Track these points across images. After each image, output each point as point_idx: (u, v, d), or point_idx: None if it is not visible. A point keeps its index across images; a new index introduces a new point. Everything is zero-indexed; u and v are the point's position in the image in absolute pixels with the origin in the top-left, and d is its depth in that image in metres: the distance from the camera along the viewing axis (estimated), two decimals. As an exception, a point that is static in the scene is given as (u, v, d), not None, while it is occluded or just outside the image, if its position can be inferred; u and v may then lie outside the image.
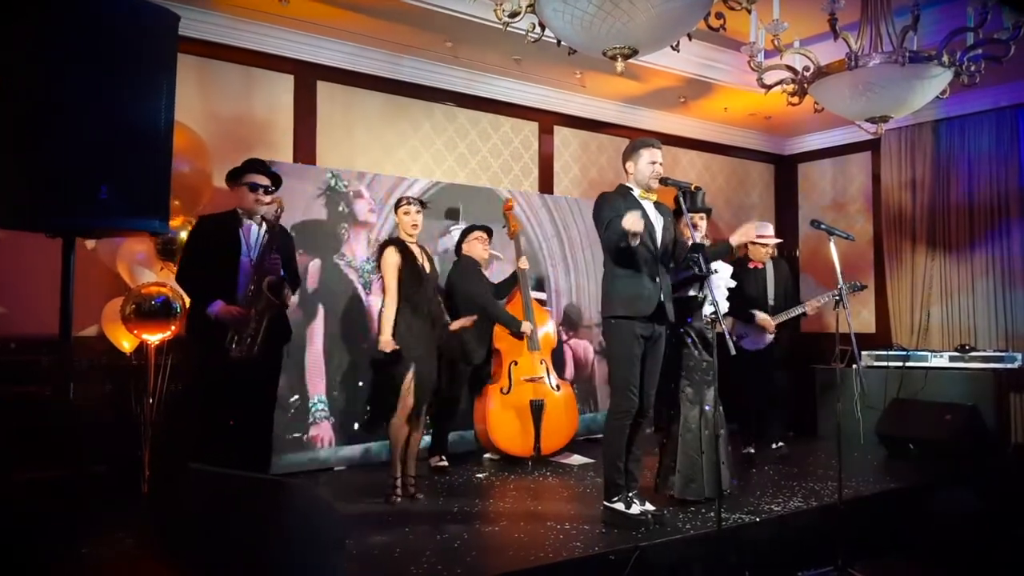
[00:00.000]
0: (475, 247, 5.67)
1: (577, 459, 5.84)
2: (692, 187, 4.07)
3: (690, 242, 4.17)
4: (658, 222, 4.13)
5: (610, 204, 4.06)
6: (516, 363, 5.64)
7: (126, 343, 5.13)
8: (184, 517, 3.04)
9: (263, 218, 4.35)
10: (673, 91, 7.33)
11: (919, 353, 7.04)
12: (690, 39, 3.97)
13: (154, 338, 5.04)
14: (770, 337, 6.16)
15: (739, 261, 6.34)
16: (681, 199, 4.08)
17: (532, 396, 5.63)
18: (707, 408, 4.49)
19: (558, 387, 5.79)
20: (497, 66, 6.73)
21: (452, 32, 6.00)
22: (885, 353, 7.17)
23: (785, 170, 9.35)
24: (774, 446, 6.40)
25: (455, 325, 4.90)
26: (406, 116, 6.69)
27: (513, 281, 5.87)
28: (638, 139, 4.23)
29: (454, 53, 6.42)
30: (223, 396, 4.11)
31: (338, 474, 5.45)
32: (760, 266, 6.33)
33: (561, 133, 7.62)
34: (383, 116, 6.57)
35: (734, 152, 8.92)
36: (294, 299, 4.73)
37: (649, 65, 6.62)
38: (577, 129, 7.66)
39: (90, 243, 5.25)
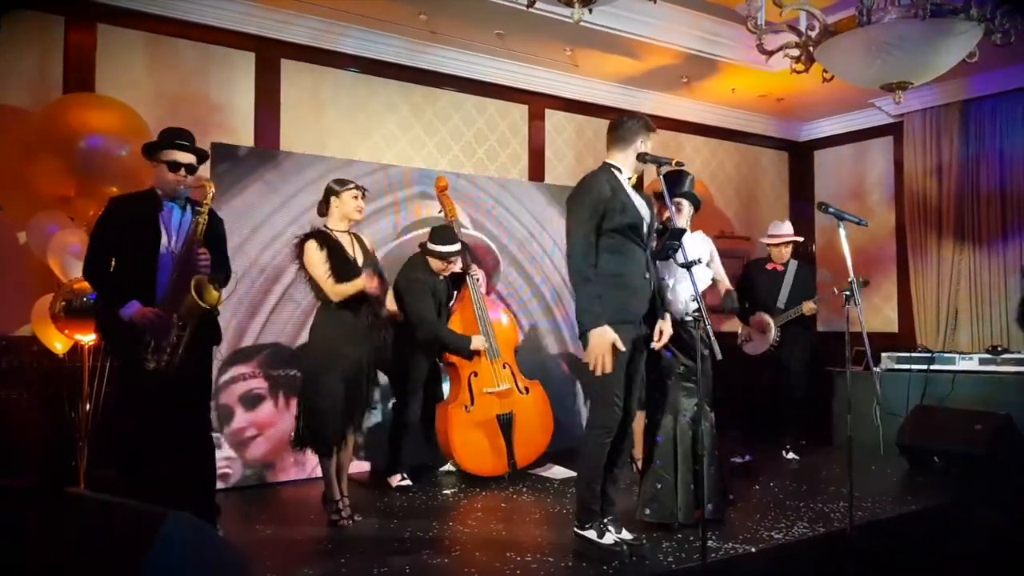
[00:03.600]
0: (436, 262, 5.02)
1: (558, 471, 5.27)
2: (673, 162, 3.48)
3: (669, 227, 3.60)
4: (644, 209, 3.57)
5: (591, 198, 3.45)
6: (476, 374, 5.02)
7: (58, 344, 4.65)
8: (46, 552, 2.55)
9: (188, 201, 3.74)
10: (674, 69, 6.75)
11: (946, 355, 6.41)
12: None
13: (88, 338, 4.58)
14: (771, 340, 5.82)
15: (757, 262, 6.11)
16: (662, 179, 3.50)
17: (499, 410, 5.03)
18: (683, 419, 3.92)
19: (526, 390, 5.18)
20: (479, 42, 6.19)
21: (423, 2, 5.47)
22: (908, 355, 6.54)
23: (800, 157, 8.72)
24: (785, 454, 6.02)
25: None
26: (381, 98, 6.17)
27: (459, 287, 5.26)
28: (639, 118, 3.62)
29: (430, 28, 5.89)
30: (145, 414, 3.49)
31: (291, 488, 4.95)
32: (780, 268, 6.02)
33: (554, 117, 7.07)
34: (355, 98, 6.06)
35: (744, 138, 8.31)
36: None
37: (645, 40, 6.08)
38: (571, 113, 7.11)
39: (21, 236, 4.81)
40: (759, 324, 5.86)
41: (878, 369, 6.56)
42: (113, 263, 3.57)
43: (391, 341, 4.40)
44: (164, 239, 3.60)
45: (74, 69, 5.04)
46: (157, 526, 2.41)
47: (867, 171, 8.15)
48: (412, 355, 4.95)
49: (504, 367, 5.11)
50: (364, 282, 3.94)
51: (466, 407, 4.97)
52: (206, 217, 3.64)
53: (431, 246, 4.98)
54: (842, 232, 3.91)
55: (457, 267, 5.13)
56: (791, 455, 6.00)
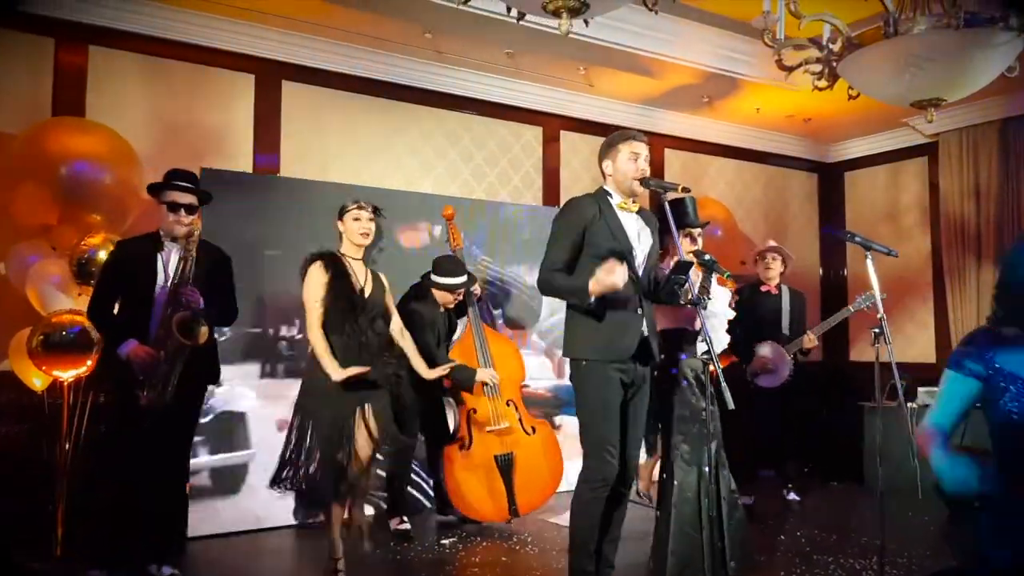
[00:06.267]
0: (441, 294, 4.70)
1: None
2: (679, 188, 3.17)
3: (675, 260, 3.26)
4: (641, 238, 3.29)
5: (570, 219, 3.24)
6: (475, 411, 4.71)
7: (37, 380, 4.43)
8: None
9: (188, 240, 3.73)
10: (694, 89, 6.44)
11: (987, 390, 5.94)
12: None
13: (67, 375, 4.36)
14: (787, 372, 5.38)
15: (751, 286, 5.67)
16: (667, 209, 3.18)
17: (498, 450, 4.68)
18: (707, 469, 3.57)
19: (532, 430, 4.82)
20: (488, 62, 5.94)
21: (428, 20, 5.23)
22: (946, 390, 6.08)
23: (830, 179, 8.33)
24: (786, 494, 5.63)
25: (431, 374, 4.01)
26: (387, 120, 5.94)
27: (462, 316, 4.94)
28: (615, 132, 3.40)
29: (435, 47, 5.66)
30: (132, 448, 3.59)
31: (289, 535, 4.66)
32: (774, 291, 5.62)
33: (569, 139, 6.79)
34: (360, 120, 5.84)
35: (771, 160, 7.96)
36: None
37: (661, 57, 5.79)
38: (587, 134, 6.81)
39: (0, 266, 4.62)
40: (772, 357, 5.37)
41: (914, 404, 6.14)
42: (118, 304, 3.71)
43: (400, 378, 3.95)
44: (160, 278, 3.68)
45: (64, 93, 4.88)
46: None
47: (901, 193, 7.75)
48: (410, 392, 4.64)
49: (508, 404, 4.78)
50: (346, 373, 3.49)
51: (462, 446, 4.66)
52: (193, 255, 3.67)
53: (436, 278, 4.66)
54: (870, 263, 3.59)
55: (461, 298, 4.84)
56: (792, 495, 5.63)
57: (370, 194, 5.07)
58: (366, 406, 3.64)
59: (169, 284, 3.65)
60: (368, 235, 3.77)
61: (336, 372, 3.50)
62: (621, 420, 3.19)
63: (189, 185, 3.77)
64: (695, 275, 3.35)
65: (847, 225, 8.06)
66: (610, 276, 2.97)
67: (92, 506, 4.19)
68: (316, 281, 3.64)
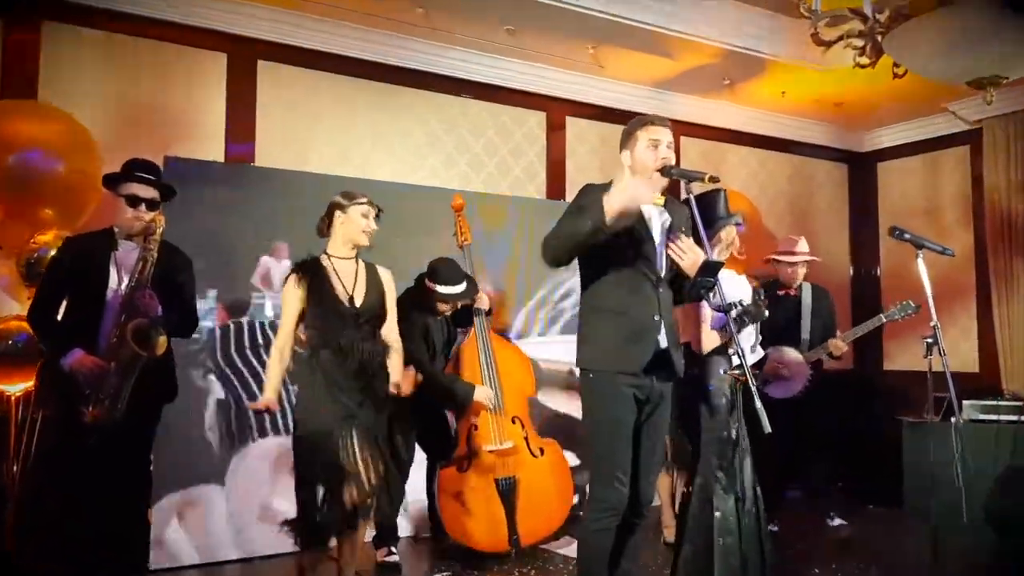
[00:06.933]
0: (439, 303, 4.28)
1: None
2: (706, 178, 2.71)
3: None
4: (659, 233, 2.90)
5: (587, 201, 2.82)
6: (476, 428, 4.22)
7: (-21, 394, 4.03)
8: None
9: (147, 239, 3.35)
10: (714, 70, 5.90)
11: (1042, 404, 5.40)
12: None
13: (14, 388, 3.97)
14: (801, 383, 4.83)
15: (767, 286, 4.95)
16: (693, 204, 2.74)
17: (499, 474, 4.19)
18: (742, 494, 3.14)
19: (540, 451, 4.34)
20: (487, 40, 5.45)
21: (421, -6, 4.74)
22: (995, 404, 5.53)
23: (861, 170, 7.74)
24: (830, 521, 5.18)
25: (403, 390, 3.46)
26: (375, 105, 5.45)
27: (464, 324, 4.48)
28: (634, 119, 3.05)
29: (430, 24, 5.16)
30: (78, 470, 3.20)
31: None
32: (793, 293, 5.05)
33: (576, 125, 6.27)
34: (345, 105, 5.35)
35: (797, 148, 7.39)
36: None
37: (679, 35, 5.28)
38: (595, 120, 6.29)
39: (-54, 268, 4.21)
40: (787, 363, 4.82)
41: (960, 420, 5.58)
42: (64, 308, 3.39)
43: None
44: (113, 280, 3.34)
45: (13, 74, 4.44)
46: None
47: (940, 186, 7.15)
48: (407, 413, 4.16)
49: (513, 422, 4.30)
50: (261, 404, 3.24)
51: (460, 467, 4.19)
52: (154, 255, 3.32)
53: (436, 287, 4.20)
54: (921, 263, 3.19)
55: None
56: (838, 521, 5.15)
57: (356, 185, 4.59)
58: (353, 432, 3.21)
59: (124, 287, 3.27)
60: (370, 236, 3.41)
61: (262, 398, 3.28)
62: (634, 442, 2.82)
63: (151, 177, 3.42)
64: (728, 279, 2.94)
65: (879, 220, 7.51)
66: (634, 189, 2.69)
67: (42, 526, 3.81)
68: (291, 296, 3.31)
